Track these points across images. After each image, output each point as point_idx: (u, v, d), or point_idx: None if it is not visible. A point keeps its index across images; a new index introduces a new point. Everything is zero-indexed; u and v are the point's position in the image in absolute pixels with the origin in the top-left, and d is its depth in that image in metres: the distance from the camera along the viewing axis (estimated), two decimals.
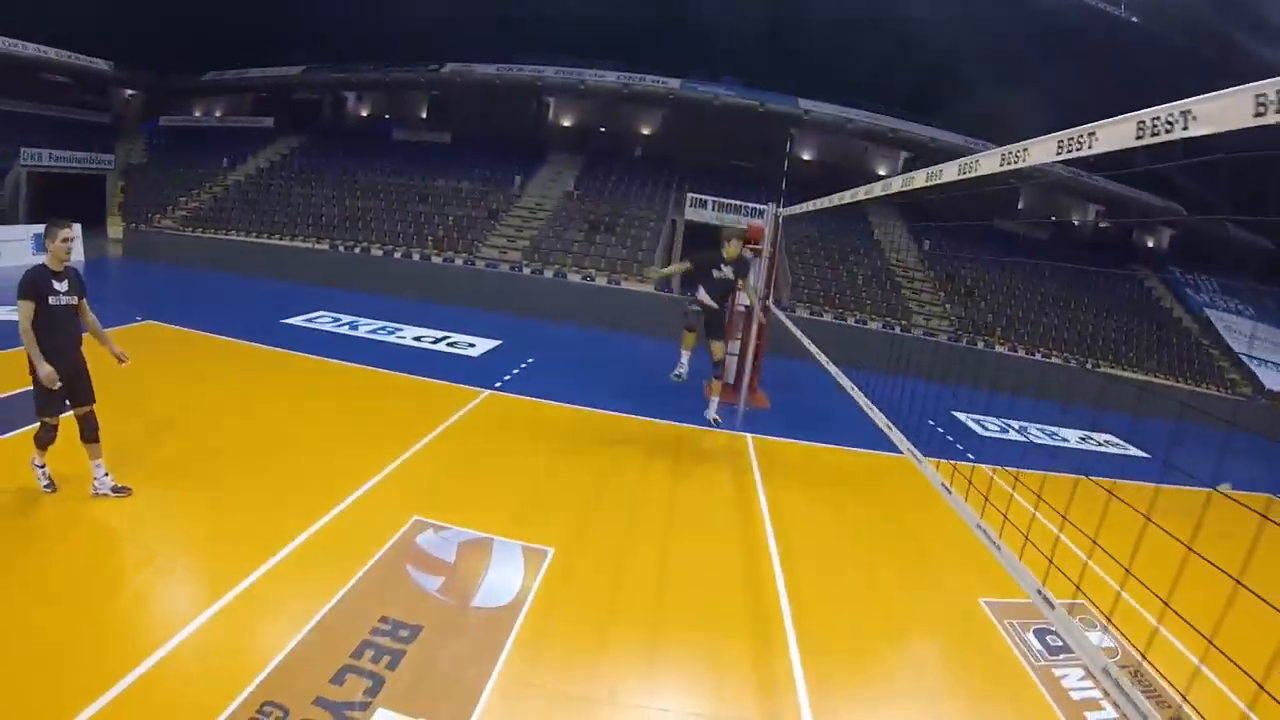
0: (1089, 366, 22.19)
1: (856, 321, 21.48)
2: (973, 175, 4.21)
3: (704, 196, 24.34)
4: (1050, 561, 3.54)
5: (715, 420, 9.65)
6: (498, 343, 14.96)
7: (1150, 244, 34.62)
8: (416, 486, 7.24)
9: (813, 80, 29.16)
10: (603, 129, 33.14)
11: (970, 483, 4.64)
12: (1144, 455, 15.21)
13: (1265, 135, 2.22)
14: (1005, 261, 26.89)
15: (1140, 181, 30.81)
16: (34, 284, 5.49)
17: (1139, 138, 2.70)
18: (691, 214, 24.23)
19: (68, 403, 5.74)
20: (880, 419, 5.94)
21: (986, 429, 14.85)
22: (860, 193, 7.22)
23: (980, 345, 21.81)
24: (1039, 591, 3.18)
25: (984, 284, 25.72)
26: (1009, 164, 3.75)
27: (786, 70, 29.25)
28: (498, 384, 11.63)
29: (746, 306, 12.33)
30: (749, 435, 10.76)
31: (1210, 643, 2.52)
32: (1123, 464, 13.97)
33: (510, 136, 31.77)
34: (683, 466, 9.17)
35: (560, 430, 9.96)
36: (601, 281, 21.43)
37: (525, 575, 5.82)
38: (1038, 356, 21.91)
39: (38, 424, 5.72)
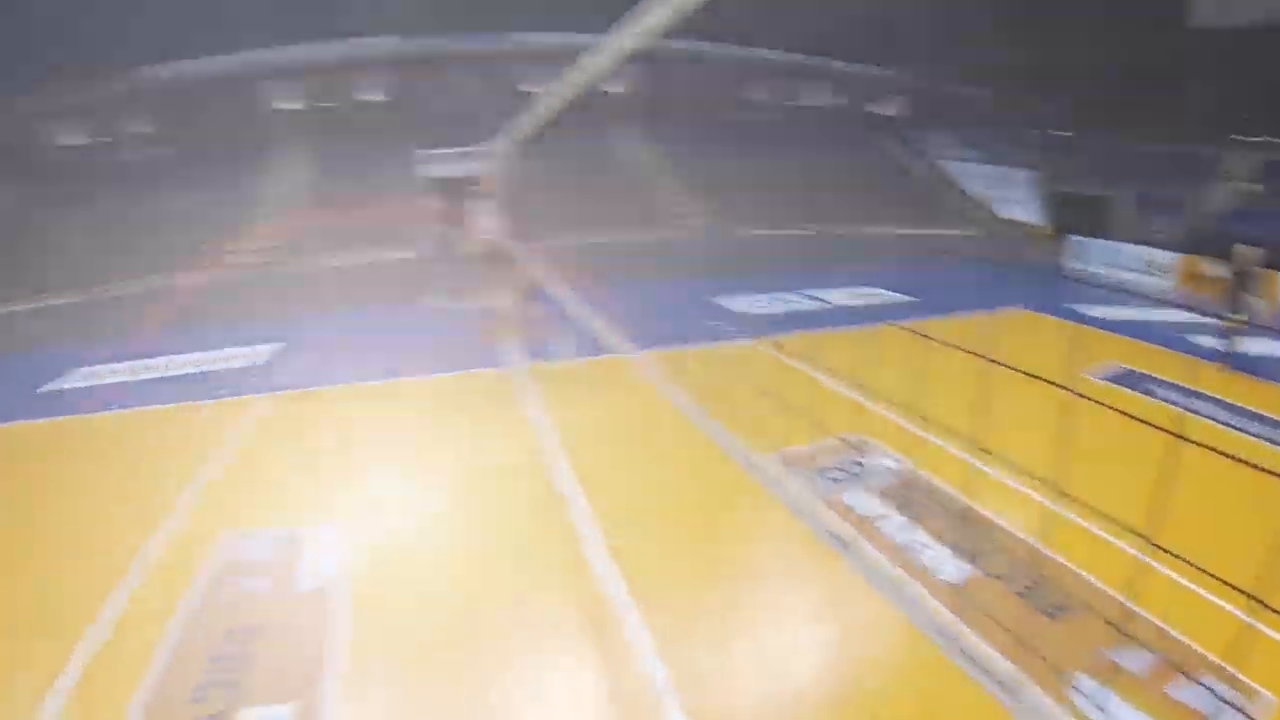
0: (841, 232, 23.87)
1: (609, 238, 22.14)
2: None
3: (436, 151, 24.30)
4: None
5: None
6: (278, 346, 14.90)
7: (884, 113, 36.88)
8: (218, 503, 7.67)
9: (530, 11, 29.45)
10: (326, 103, 32.09)
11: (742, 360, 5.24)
12: (911, 300, 16.83)
13: None
14: (743, 149, 28.44)
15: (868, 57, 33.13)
16: None
17: None
18: (433, 169, 24.12)
19: None
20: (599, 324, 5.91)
21: (761, 307, 15.96)
22: (568, 89, 6.45)
23: (736, 234, 23.10)
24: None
25: (730, 178, 27.12)
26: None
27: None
28: (282, 382, 11.99)
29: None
30: (526, 366, 11.30)
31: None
32: (892, 310, 15.54)
33: (237, 135, 30.40)
34: (473, 412, 10.24)
35: (351, 409, 10.61)
36: (362, 259, 21.18)
37: (334, 555, 6.52)
38: (791, 232, 23.38)
39: None
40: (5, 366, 16.09)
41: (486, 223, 11.41)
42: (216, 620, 5.62)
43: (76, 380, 13.69)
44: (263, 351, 14.45)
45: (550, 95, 7.21)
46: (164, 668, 5.14)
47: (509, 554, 6.45)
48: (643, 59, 29.83)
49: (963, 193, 29.82)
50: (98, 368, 14.39)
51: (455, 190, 9.97)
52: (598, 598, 5.75)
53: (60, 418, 11.41)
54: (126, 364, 14.46)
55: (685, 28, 3.63)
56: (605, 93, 30.60)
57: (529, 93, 31.21)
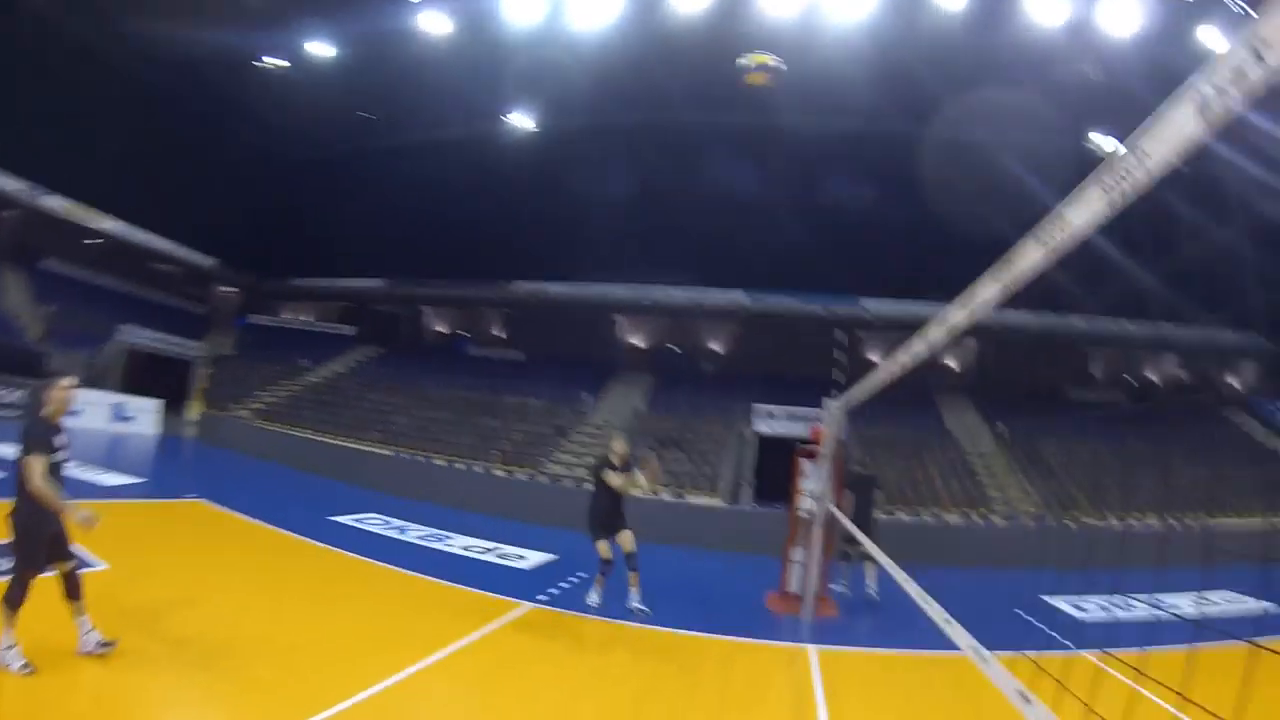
0: (1189, 523, 20.48)
1: (933, 518, 20.48)
2: (983, 305, 4.16)
3: (771, 407, 24.11)
4: None
5: (642, 610, 9.51)
6: (553, 557, 14.05)
7: (1237, 384, 32.98)
8: (426, 700, 6.48)
9: (878, 280, 29.46)
10: (672, 345, 33.65)
11: (1060, 682, 3.84)
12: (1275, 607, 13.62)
13: None
14: (1080, 428, 26.06)
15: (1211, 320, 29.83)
16: (40, 438, 5.24)
17: (1108, 199, 2.56)
18: (761, 426, 23.94)
19: (47, 561, 5.38)
20: (938, 613, 5.14)
21: (1089, 611, 13.44)
22: (905, 359, 6.95)
23: (1070, 524, 20.51)
24: None
25: (1066, 458, 24.44)
26: (1007, 287, 3.69)
27: (851, 271, 29.63)
28: (542, 598, 10.86)
29: (809, 512, 11.63)
30: (812, 647, 9.80)
31: None
32: (1254, 624, 12.53)
33: (581, 354, 32.66)
34: (734, 688, 8.25)
35: (602, 650, 9.09)
36: (667, 497, 20.73)
37: None
38: (1133, 523, 20.35)
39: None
40: (311, 486, 17.74)
41: (814, 486, 10.55)
42: None
43: (366, 522, 14.26)
44: (534, 558, 13.79)
45: (888, 364, 7.41)
46: None
47: None
48: (978, 331, 28.78)
49: None
50: (390, 519, 14.94)
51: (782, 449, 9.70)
52: None
53: (333, 547, 11.53)
54: (412, 526, 14.71)
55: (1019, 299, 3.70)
56: (942, 364, 29.80)
57: (869, 360, 30.98)
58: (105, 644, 5.56)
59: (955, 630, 4.78)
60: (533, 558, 13.72)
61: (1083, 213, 2.74)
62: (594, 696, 7.27)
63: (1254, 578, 15.25)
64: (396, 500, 17.38)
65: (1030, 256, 3.27)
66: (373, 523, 14.33)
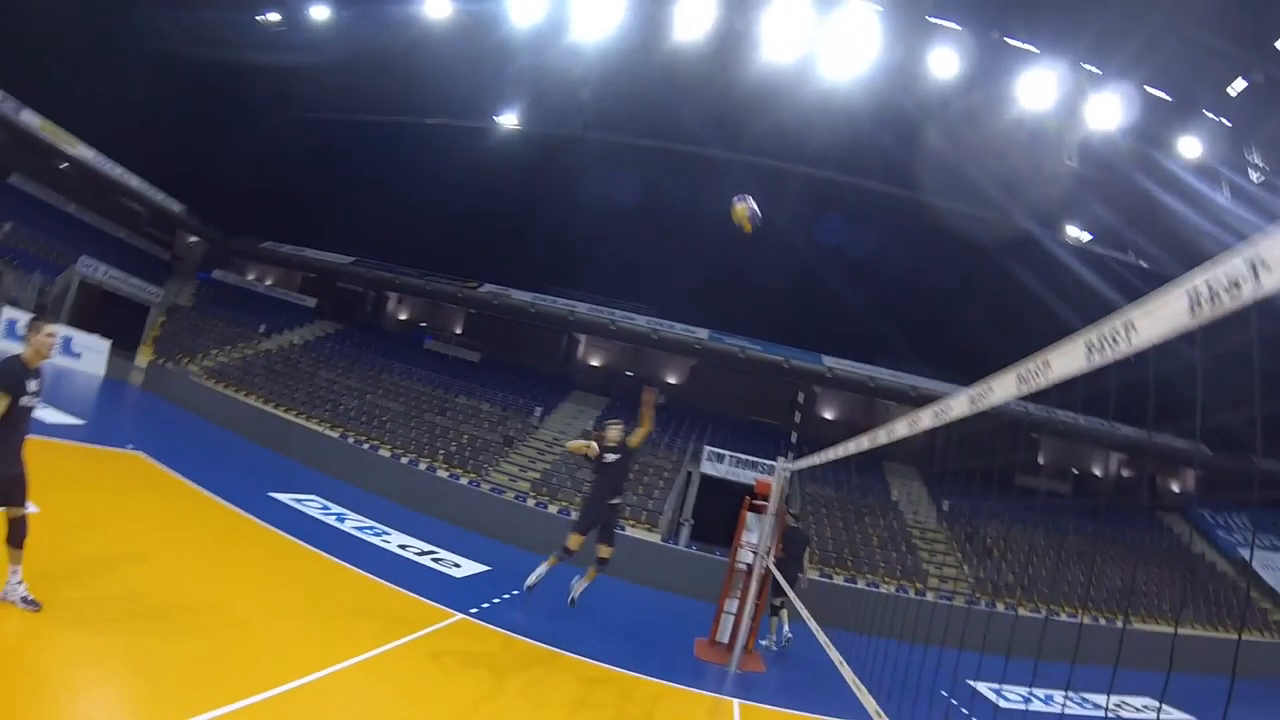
0: (1118, 623, 20.85)
1: (869, 585, 20.47)
2: (957, 418, 4.21)
3: (721, 450, 24.21)
4: None
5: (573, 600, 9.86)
6: (486, 568, 13.88)
7: (1176, 488, 33.83)
8: (343, 701, 6.34)
9: (835, 338, 30.11)
10: (630, 373, 33.67)
11: None
12: None
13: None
14: (1021, 516, 26.62)
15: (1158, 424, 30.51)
16: (11, 378, 5.12)
17: (1089, 357, 2.73)
18: (708, 468, 24.03)
19: None
20: (869, 702, 5.15)
21: (1007, 699, 13.64)
22: (865, 440, 6.97)
23: (1000, 607, 20.77)
24: None
25: (1004, 542, 24.98)
26: (978, 405, 3.83)
27: (811, 326, 30.20)
28: (473, 610, 10.67)
29: (748, 565, 11.68)
30: (736, 701, 9.81)
31: None
32: None
33: (538, 366, 32.67)
34: None
35: (526, 673, 8.98)
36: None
37: None
38: (1063, 616, 20.66)
39: None
40: (250, 454, 17.68)
41: (755, 539, 10.63)
42: None
43: (306, 504, 14.05)
44: (469, 567, 13.61)
45: (848, 444, 7.54)
46: None
47: None
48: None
49: (1265, 590, 25.27)
50: (320, 500, 14.77)
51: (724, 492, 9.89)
52: None
53: (271, 526, 11.27)
54: (348, 513, 14.54)
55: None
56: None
57: (823, 416, 31.21)
58: (30, 602, 5.42)
59: (864, 696, 4.84)
60: (467, 566, 13.57)
61: (1065, 362, 2.95)
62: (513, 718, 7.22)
63: (1183, 688, 15.71)
64: (338, 484, 17.23)
65: (1006, 387, 3.48)
66: (313, 505, 14.11)
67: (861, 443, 6.90)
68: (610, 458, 9.99)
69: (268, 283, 37.51)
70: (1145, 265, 28.48)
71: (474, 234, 31.96)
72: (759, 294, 30.36)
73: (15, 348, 5.39)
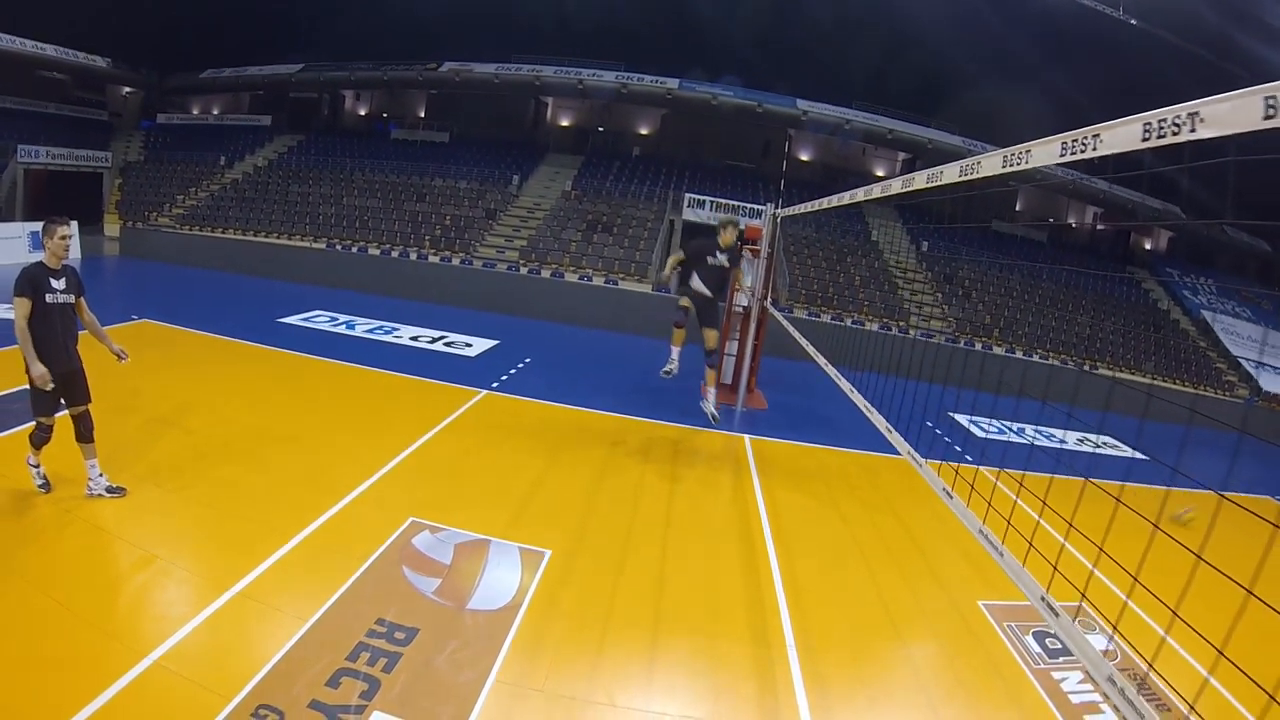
0: (1087, 368, 22.28)
1: (854, 323, 21.43)
2: (975, 177, 4.19)
3: (702, 196, 24.37)
4: (1055, 568, 3.49)
5: (714, 415, 9.55)
6: (495, 343, 14.90)
7: (1148, 246, 34.81)
8: (412, 487, 7.15)
9: (811, 81, 29.24)
10: (601, 129, 33.22)
11: (972, 487, 4.58)
12: (1144, 458, 15.24)
13: (1270, 139, 2.16)
14: (1003, 263, 27.11)
15: (1139, 184, 31.00)
16: (31, 281, 5.42)
17: (1145, 139, 2.65)
18: (689, 214, 24.22)
19: (63, 402, 5.68)
20: (880, 421, 5.89)
21: (985, 431, 14.86)
22: (859, 194, 7.18)
23: (978, 347, 21.89)
24: (1042, 598, 3.14)
25: (981, 285, 25.80)
26: (1012, 165, 3.71)
27: (785, 70, 29.29)
28: (495, 384, 11.56)
29: (744, 307, 12.29)
30: (746, 436, 10.74)
31: (1220, 652, 2.48)
32: (1124, 466, 14.02)
33: (508, 136, 31.94)
34: (680, 467, 9.12)
35: (557, 431, 9.89)
36: (599, 281, 21.43)
37: (523, 577, 5.77)
38: (1035, 358, 21.96)
39: (33, 423, 5.67)
40: (247, 290, 17.77)
41: (745, 279, 11.04)
42: (376, 604, 5.16)
43: (315, 320, 14.64)
44: (479, 345, 14.50)
45: (840, 196, 7.65)
46: (308, 634, 4.71)
47: (684, 630, 5.69)
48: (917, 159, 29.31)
49: (1220, 351, 27.10)
50: (329, 313, 15.43)
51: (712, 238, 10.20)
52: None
53: (279, 349, 11.93)
54: (356, 319, 15.29)
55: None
56: (874, 177, 30.04)
57: (800, 158, 31.16)
58: (115, 490, 5.95)
59: (895, 437, 5.52)
60: (478, 345, 14.56)
61: (1118, 138, 2.89)
62: (561, 472, 8.22)
63: (1128, 427, 16.94)
64: (337, 294, 17.93)
65: (992, 164, 3.73)
66: (321, 320, 14.74)
67: (873, 191, 6.85)
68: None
69: (215, 112, 36.22)
70: (1134, 23, 27.34)
71: (427, 13, 30.51)
72: (729, 41, 29.47)
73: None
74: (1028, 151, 3.55)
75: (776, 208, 12.08)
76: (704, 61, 29.58)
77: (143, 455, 6.84)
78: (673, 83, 29.89)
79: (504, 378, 12.08)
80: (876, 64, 28.16)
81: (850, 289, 23.50)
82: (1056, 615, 3.03)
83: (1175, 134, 2.49)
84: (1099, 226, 34.40)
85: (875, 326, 21.45)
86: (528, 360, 13.71)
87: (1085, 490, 4.62)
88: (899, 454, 5.52)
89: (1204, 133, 2.36)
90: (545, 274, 21.39)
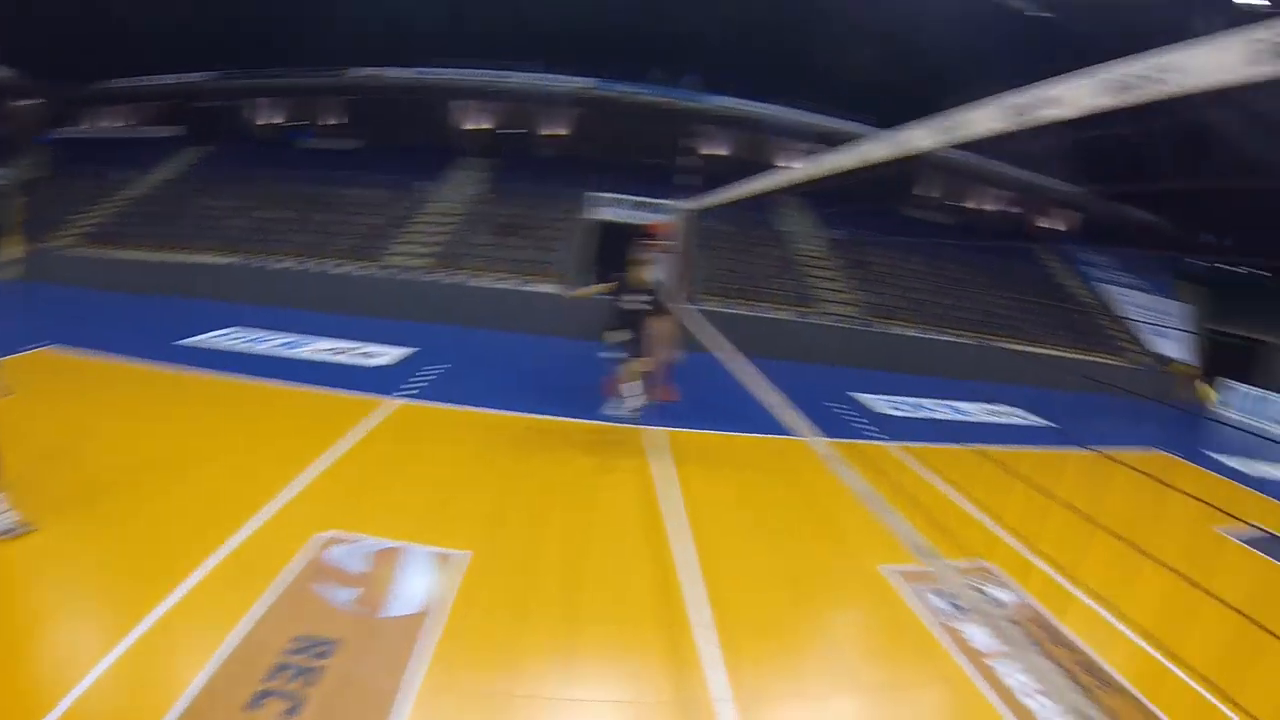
0: (990, 344, 23.20)
1: (765, 312, 22.00)
2: (872, 161, 4.46)
3: (615, 195, 24.53)
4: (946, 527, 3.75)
5: (631, 411, 10.11)
6: (411, 350, 14.91)
7: (1052, 226, 36.04)
8: (325, 501, 7.19)
9: (721, 76, 29.60)
10: (514, 131, 33.06)
11: (874, 461, 4.84)
12: (1047, 425, 15.99)
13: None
14: (908, 242, 28.20)
15: (1044, 168, 32.38)
16: None
17: (1004, 125, 2.95)
18: (604, 213, 24.39)
19: None
20: (779, 405, 6.16)
21: (896, 409, 15.41)
22: (765, 184, 7.40)
23: (887, 329, 22.72)
24: (918, 546, 3.37)
25: (891, 270, 26.70)
26: (948, 136, 3.62)
27: (702, 67, 29.60)
28: (411, 391, 11.63)
29: (645, 304, 12.51)
30: (661, 428, 11.02)
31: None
32: (1027, 433, 14.71)
33: (421, 141, 31.69)
34: (598, 462, 9.37)
35: (475, 434, 10.01)
36: (514, 284, 21.42)
37: (441, 580, 5.88)
38: (942, 336, 22.84)
39: None
40: (157, 310, 17.32)
41: (657, 274, 11.27)
42: (293, 623, 5.23)
43: (217, 340, 14.24)
44: (395, 353, 14.51)
45: (750, 183, 7.52)
46: (224, 661, 4.77)
47: (607, 618, 5.92)
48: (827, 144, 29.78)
49: (1118, 320, 28.53)
50: (240, 330, 15.13)
51: (623, 237, 10.64)
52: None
53: (191, 370, 11.68)
54: (270, 334, 15.08)
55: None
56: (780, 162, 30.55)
57: (709, 155, 31.48)
58: (20, 526, 5.71)
59: (792, 419, 5.79)
60: (394, 353, 14.55)
61: (982, 121, 3.13)
62: (479, 475, 8.38)
63: (1034, 398, 17.83)
64: (250, 309, 17.62)
65: (920, 140, 3.73)
66: (232, 337, 14.51)
67: (766, 182, 7.25)
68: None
69: (120, 124, 35.37)
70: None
71: (337, 18, 29.93)
72: (646, 39, 29.66)
73: None
74: (961, 122, 3.49)
75: (687, 203, 12.32)
76: (620, 60, 29.76)
77: (39, 490, 6.60)
78: (587, 82, 30.05)
79: (421, 384, 12.15)
80: (793, 58, 28.68)
81: (762, 278, 23.99)
82: (931, 559, 3.26)
83: (1037, 114, 2.74)
84: (1004, 209, 35.44)
85: (787, 314, 22.14)
86: (444, 367, 13.78)
87: (984, 456, 4.94)
88: (810, 437, 5.81)
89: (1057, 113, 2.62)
90: (460, 279, 21.31)
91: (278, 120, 35.66)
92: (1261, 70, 1.95)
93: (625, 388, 10.23)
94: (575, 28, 29.33)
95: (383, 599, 5.54)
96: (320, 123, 34.71)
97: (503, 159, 30.42)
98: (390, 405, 10.80)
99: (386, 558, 6.13)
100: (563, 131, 32.84)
